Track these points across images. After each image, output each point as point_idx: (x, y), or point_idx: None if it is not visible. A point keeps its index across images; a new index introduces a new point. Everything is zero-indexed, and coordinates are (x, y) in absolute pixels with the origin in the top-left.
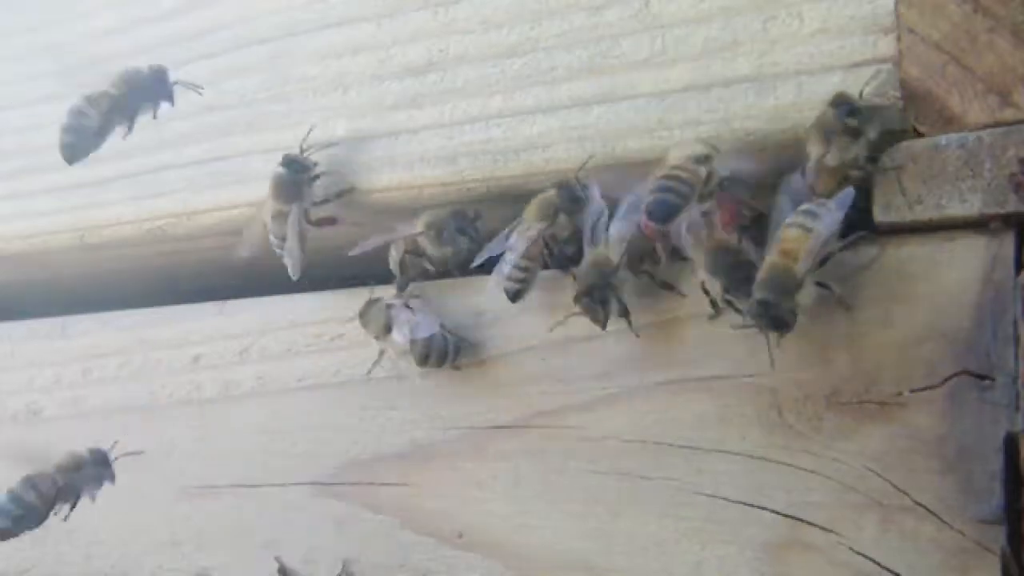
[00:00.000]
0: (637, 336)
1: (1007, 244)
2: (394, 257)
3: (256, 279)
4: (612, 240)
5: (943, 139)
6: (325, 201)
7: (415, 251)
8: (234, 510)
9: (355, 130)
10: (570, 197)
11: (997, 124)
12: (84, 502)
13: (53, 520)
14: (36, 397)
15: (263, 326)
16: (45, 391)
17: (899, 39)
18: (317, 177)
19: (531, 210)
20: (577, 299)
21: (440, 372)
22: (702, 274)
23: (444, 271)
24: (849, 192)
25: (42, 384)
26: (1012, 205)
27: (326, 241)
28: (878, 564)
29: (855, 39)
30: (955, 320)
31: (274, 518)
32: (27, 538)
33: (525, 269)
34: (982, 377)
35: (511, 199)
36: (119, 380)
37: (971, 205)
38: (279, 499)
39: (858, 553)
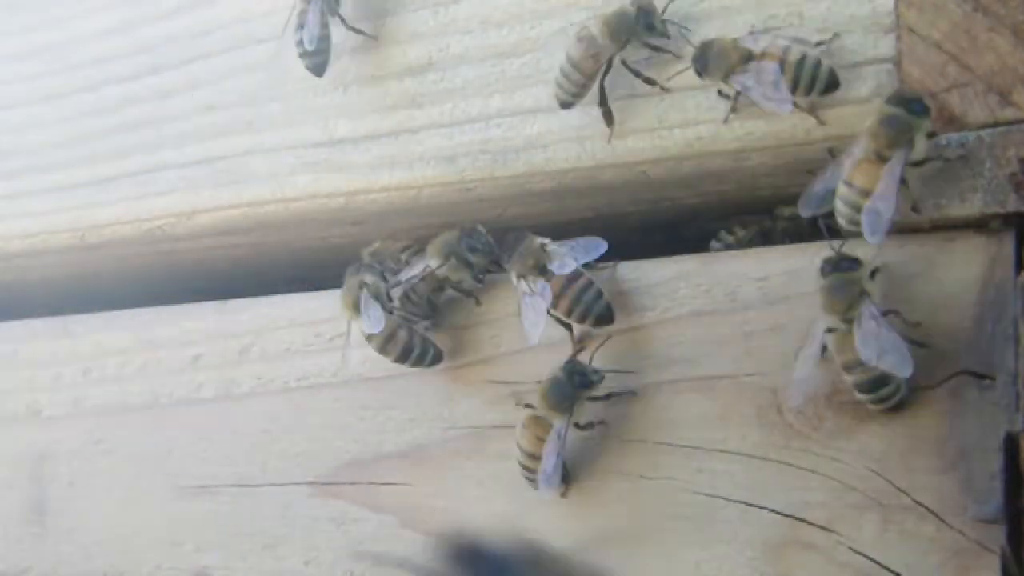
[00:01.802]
0: None
1: (1007, 244)
2: (420, 293)
3: (256, 279)
4: None
5: (943, 139)
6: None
7: (439, 287)
8: (234, 510)
9: (355, 130)
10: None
11: (997, 124)
12: (83, 502)
13: (53, 520)
14: (36, 397)
15: (263, 326)
16: (45, 391)
17: (899, 39)
18: None
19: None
20: None
21: (439, 373)
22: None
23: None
24: None
25: (42, 384)
26: (1012, 205)
27: (326, 242)
28: (878, 564)
29: (855, 39)
30: (955, 320)
31: (274, 518)
32: (27, 538)
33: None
34: (982, 377)
35: (511, 199)
36: (119, 380)
37: (971, 205)
38: (279, 499)
39: (858, 553)
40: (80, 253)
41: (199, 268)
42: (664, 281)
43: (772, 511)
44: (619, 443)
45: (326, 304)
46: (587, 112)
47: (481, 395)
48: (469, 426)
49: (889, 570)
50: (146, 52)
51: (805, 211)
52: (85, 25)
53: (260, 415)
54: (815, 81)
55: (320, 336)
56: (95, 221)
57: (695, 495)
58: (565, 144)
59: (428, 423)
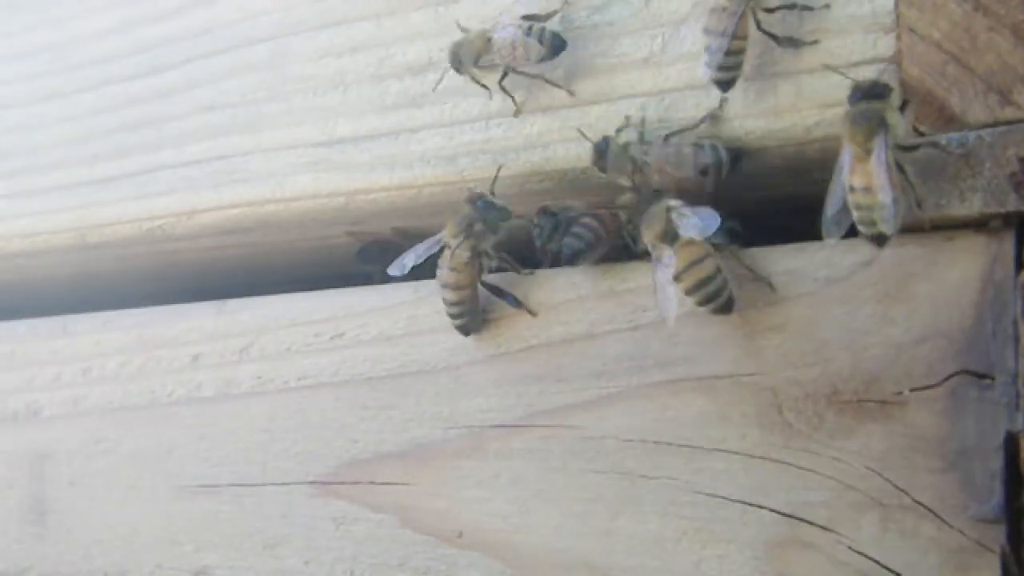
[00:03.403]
0: None
1: (1007, 244)
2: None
3: (256, 279)
4: None
5: (943, 139)
6: None
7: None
8: (234, 509)
9: (355, 130)
10: None
11: (997, 123)
12: (83, 502)
13: (53, 520)
14: (36, 397)
15: (263, 326)
16: (45, 391)
17: (899, 38)
18: None
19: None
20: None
21: (439, 373)
22: None
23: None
24: None
25: (42, 384)
26: (1012, 204)
27: (326, 242)
28: (878, 563)
29: (855, 38)
30: (955, 320)
31: (274, 517)
32: (27, 538)
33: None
34: (982, 376)
35: (510, 199)
36: (119, 380)
37: (971, 204)
38: (279, 498)
39: (858, 552)
40: (80, 253)
41: (199, 268)
42: None
43: (772, 511)
44: (619, 443)
45: (326, 304)
46: (587, 112)
47: (481, 395)
48: (469, 426)
49: (889, 569)
50: (146, 52)
51: (831, 236)
52: (85, 25)
53: (260, 415)
54: None
55: (320, 336)
56: (96, 221)
57: (695, 494)
58: (565, 144)
59: (428, 423)
